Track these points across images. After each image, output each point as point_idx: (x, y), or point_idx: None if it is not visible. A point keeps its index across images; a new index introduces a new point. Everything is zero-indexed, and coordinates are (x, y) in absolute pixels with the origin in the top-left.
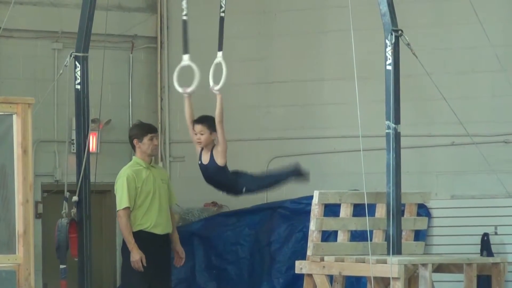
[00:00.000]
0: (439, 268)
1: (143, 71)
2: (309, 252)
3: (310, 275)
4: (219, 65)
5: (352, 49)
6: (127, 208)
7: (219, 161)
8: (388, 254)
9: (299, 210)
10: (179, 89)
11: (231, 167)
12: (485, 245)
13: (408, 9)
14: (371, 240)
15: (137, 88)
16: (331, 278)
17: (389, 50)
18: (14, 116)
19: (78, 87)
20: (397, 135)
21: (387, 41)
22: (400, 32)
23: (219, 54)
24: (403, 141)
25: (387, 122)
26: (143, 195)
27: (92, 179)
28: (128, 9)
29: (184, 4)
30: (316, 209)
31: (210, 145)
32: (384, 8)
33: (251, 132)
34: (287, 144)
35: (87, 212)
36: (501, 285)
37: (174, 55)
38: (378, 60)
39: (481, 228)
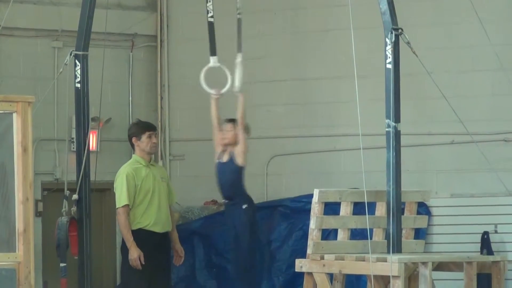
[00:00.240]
0: (439, 266)
1: (143, 69)
2: (309, 251)
3: (310, 274)
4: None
5: (352, 47)
6: (126, 205)
7: (239, 160)
8: (388, 252)
9: (299, 208)
10: (210, 91)
11: None
12: (485, 244)
13: (408, 8)
14: (371, 238)
15: (137, 87)
16: (331, 276)
17: (389, 48)
18: (14, 115)
19: (78, 85)
20: (397, 134)
21: (387, 39)
22: (400, 30)
23: (239, 55)
24: (403, 140)
25: (387, 121)
26: (143, 193)
27: (92, 177)
28: (128, 8)
29: (209, 6)
30: (316, 208)
31: (232, 146)
32: (384, 6)
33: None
34: (287, 143)
35: (87, 211)
36: (501, 284)
37: (174, 54)
38: (378, 59)
39: (481, 226)
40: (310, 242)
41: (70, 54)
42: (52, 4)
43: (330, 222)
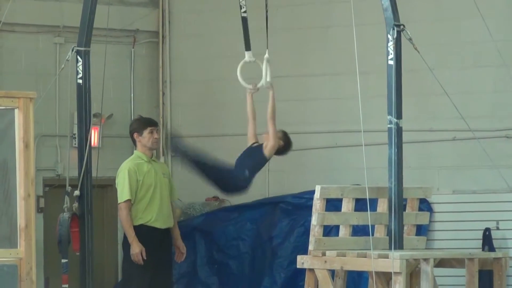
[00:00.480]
0: (440, 263)
1: (145, 65)
2: (310, 247)
3: (311, 270)
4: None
5: (354, 44)
6: (128, 200)
7: (266, 152)
8: (390, 249)
9: (300, 204)
10: (247, 86)
11: (232, 162)
12: (487, 240)
13: (410, 4)
14: (373, 235)
15: (138, 83)
16: (332, 272)
17: (391, 45)
18: (16, 111)
19: (80, 81)
20: (399, 130)
21: (389, 36)
22: (402, 27)
23: (266, 52)
24: (405, 136)
25: (389, 117)
26: (144, 188)
27: (93, 173)
28: (130, 4)
29: (242, 2)
30: (318, 204)
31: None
32: (386, 3)
33: None
34: None
35: (89, 207)
36: (503, 280)
37: (175, 50)
38: (380, 55)
39: (482, 223)
40: (311, 239)
41: (72, 50)
42: (54, 0)
43: (332, 218)
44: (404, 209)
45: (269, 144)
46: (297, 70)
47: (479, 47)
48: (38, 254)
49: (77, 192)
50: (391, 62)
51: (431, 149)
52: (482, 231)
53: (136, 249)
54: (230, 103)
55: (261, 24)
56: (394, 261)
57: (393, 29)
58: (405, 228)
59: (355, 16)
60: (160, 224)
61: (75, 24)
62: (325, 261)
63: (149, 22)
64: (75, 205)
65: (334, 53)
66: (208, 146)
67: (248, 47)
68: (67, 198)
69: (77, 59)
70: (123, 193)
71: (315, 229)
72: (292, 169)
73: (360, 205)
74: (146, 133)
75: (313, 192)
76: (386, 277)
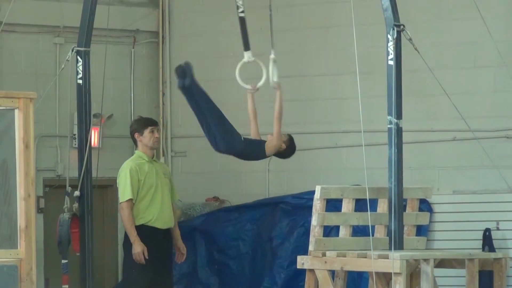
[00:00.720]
0: (441, 263)
1: (145, 65)
2: (311, 247)
3: (312, 270)
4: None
5: (354, 44)
6: (130, 200)
7: (267, 149)
8: (390, 249)
9: (300, 205)
10: (246, 86)
11: (231, 162)
12: (487, 240)
13: (410, 4)
14: (373, 235)
15: (138, 83)
16: (333, 273)
17: (391, 45)
18: (16, 111)
19: (80, 81)
20: (399, 130)
21: (389, 36)
22: (402, 27)
23: (272, 52)
24: (405, 136)
25: (389, 117)
26: (146, 188)
27: (94, 173)
28: (130, 4)
29: (239, 2)
30: (318, 204)
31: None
32: (386, 3)
33: None
34: None
35: (89, 207)
36: (503, 280)
37: (175, 50)
38: (380, 55)
39: (483, 223)
40: (312, 239)
41: (72, 50)
42: (54, 0)
43: (332, 219)
44: (404, 210)
45: (271, 143)
46: (297, 70)
47: (479, 47)
48: (38, 254)
49: (77, 193)
50: (391, 62)
51: (431, 150)
52: (482, 232)
53: (138, 248)
54: (230, 103)
55: (261, 24)
56: (394, 262)
57: (393, 29)
58: (405, 228)
59: (355, 16)
60: (160, 224)
61: (75, 24)
62: (325, 262)
63: (149, 22)
64: (75, 205)
65: (334, 53)
66: (208, 146)
67: (247, 47)
68: (67, 199)
69: (77, 59)
70: (124, 192)
71: (315, 230)
72: (292, 169)
73: (360, 205)
74: (147, 132)
75: (313, 192)
76: (386, 277)
